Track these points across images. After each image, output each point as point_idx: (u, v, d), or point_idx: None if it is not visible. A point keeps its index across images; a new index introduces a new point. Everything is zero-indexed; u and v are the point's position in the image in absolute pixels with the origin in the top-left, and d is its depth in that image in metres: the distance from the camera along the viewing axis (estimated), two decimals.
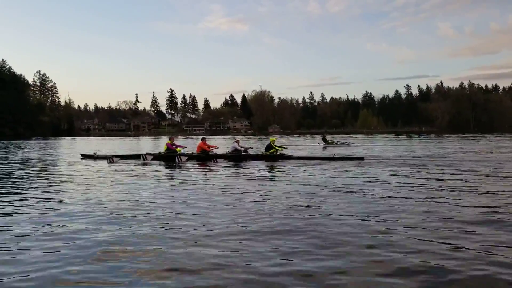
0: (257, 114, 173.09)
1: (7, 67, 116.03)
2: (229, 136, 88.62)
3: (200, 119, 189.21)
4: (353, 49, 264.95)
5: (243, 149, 17.66)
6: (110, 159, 16.89)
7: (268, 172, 13.05)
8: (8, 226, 5.75)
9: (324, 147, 28.15)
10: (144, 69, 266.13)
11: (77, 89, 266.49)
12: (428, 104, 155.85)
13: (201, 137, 21.29)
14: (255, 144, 29.45)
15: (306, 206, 6.93)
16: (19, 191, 9.27)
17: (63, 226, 5.75)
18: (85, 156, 19.58)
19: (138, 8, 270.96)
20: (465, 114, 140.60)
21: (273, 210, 6.69)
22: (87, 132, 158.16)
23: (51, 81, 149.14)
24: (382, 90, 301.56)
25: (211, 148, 17.91)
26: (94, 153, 19.58)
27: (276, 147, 17.42)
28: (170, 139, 18.14)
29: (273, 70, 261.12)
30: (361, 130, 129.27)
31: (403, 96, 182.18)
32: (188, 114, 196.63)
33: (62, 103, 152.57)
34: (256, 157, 17.35)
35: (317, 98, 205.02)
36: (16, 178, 11.98)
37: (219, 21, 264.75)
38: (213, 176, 11.87)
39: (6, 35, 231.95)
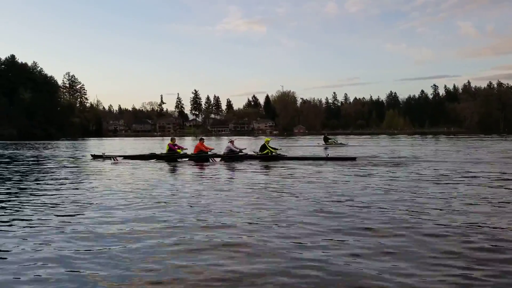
0: (281, 114, 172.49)
1: (38, 68, 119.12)
2: (253, 137, 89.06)
3: (224, 120, 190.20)
4: (372, 50, 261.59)
5: (238, 149, 18.08)
6: (114, 158, 17.92)
7: (263, 172, 13.44)
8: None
9: (326, 147, 28.84)
10: (163, 71, 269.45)
11: (101, 90, 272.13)
12: (456, 104, 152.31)
13: (199, 137, 21.96)
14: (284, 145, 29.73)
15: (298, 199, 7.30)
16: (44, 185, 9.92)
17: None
18: (95, 156, 20.32)
19: (156, 10, 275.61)
20: (494, 114, 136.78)
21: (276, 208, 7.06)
22: (114, 133, 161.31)
23: (79, 82, 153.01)
24: (401, 90, 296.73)
25: (208, 150, 18.30)
26: (103, 153, 20.47)
27: (270, 148, 17.76)
28: (171, 140, 18.85)
29: (290, 71, 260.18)
30: (391, 131, 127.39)
31: (430, 96, 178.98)
32: (212, 115, 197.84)
33: (88, 105, 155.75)
34: (251, 157, 17.78)
35: (340, 98, 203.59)
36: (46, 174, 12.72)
37: (237, 23, 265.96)
38: (212, 176, 12.40)
39: (34, 37, 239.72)
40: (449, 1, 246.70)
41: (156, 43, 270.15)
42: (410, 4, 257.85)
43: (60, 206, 7.49)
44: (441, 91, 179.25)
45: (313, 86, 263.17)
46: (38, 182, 11.16)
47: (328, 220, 6.00)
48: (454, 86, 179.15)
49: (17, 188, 10.01)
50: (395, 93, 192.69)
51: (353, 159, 16.70)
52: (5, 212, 6.95)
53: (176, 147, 18.24)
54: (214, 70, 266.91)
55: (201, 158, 17.66)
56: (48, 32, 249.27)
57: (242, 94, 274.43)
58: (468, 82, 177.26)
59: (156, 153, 19.37)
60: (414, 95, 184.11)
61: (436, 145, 32.27)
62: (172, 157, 17.89)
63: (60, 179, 11.75)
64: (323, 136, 34.52)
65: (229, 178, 11.85)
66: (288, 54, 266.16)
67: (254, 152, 18.68)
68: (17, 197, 8.59)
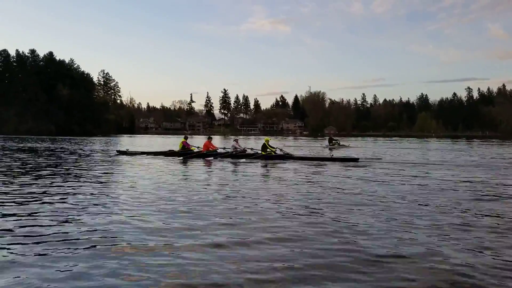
0: (311, 115, 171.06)
1: (75, 65, 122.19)
2: (280, 137, 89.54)
3: (253, 120, 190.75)
4: (397, 51, 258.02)
5: (241, 148, 19.13)
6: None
7: (268, 170, 14.21)
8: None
9: (330, 149, 29.68)
10: (191, 70, 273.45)
11: (130, 88, 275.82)
12: (491, 107, 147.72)
13: (207, 136, 22.73)
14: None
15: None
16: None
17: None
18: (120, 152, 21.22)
19: (182, 10, 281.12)
20: None
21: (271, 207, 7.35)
22: (145, 131, 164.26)
23: (113, 80, 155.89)
24: (427, 92, 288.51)
25: (215, 148, 19.68)
26: (127, 149, 21.21)
27: (270, 147, 18.61)
28: (185, 137, 20.43)
29: (315, 71, 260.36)
30: (429, 134, 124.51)
31: (464, 99, 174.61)
32: (241, 115, 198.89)
33: (118, 101, 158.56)
34: (257, 156, 18.34)
35: (368, 99, 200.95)
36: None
37: (261, 22, 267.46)
38: (217, 173, 13.06)
39: (70, 34, 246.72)
40: (478, 2, 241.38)
41: (182, 42, 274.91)
42: (437, 4, 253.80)
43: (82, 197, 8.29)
44: (475, 94, 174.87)
45: (338, 87, 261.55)
46: (70, 174, 12.21)
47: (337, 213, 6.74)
48: (489, 89, 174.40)
49: (58, 179, 11.08)
50: (426, 95, 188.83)
51: (355, 159, 17.42)
52: (42, 201, 7.49)
53: (188, 146, 19.79)
54: (239, 69, 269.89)
55: (209, 155, 18.91)
56: (81, 30, 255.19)
57: (266, 94, 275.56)
58: (503, 85, 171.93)
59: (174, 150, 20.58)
60: (447, 98, 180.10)
61: None
62: (185, 154, 19.17)
63: (91, 173, 12.66)
64: (328, 138, 36.92)
65: (235, 174, 12.64)
66: (312, 54, 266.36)
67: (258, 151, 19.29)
68: (59, 186, 9.49)
